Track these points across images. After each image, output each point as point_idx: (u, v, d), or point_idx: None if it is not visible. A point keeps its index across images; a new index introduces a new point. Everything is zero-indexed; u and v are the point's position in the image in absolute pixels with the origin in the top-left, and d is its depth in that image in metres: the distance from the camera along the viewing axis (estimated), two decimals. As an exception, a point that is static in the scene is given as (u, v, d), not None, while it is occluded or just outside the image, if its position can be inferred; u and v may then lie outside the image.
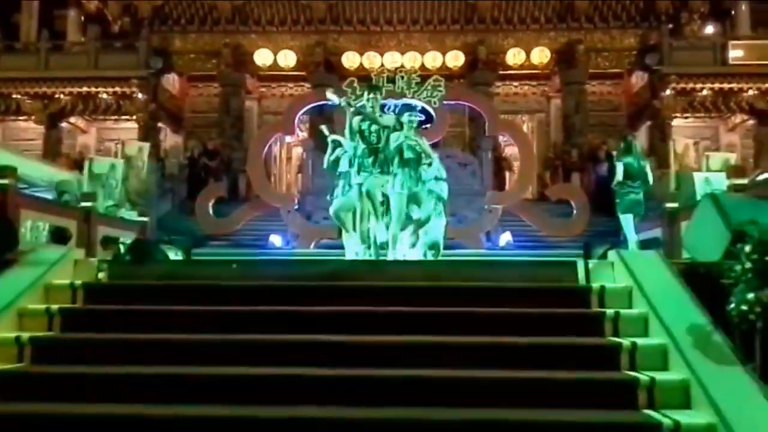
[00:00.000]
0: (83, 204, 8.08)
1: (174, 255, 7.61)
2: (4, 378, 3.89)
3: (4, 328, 4.40)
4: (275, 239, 13.93)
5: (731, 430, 3.17)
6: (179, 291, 5.05)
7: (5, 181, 5.93)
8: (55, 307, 4.65)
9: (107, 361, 4.10)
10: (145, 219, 9.59)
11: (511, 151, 18.47)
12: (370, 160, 7.20)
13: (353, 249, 7.52)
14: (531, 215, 14.97)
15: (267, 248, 13.61)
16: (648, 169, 8.57)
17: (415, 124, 7.45)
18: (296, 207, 14.57)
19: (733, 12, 21.47)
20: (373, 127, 7.21)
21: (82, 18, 22.18)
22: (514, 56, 20.26)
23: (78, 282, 5.02)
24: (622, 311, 4.45)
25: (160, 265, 6.13)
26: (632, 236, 8.60)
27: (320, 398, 3.69)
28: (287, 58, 20.51)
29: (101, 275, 5.37)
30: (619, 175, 8.41)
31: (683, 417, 3.40)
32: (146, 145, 15.51)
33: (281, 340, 4.28)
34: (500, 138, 17.97)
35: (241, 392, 3.78)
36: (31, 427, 3.51)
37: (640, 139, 21.01)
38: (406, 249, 7.48)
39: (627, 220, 8.55)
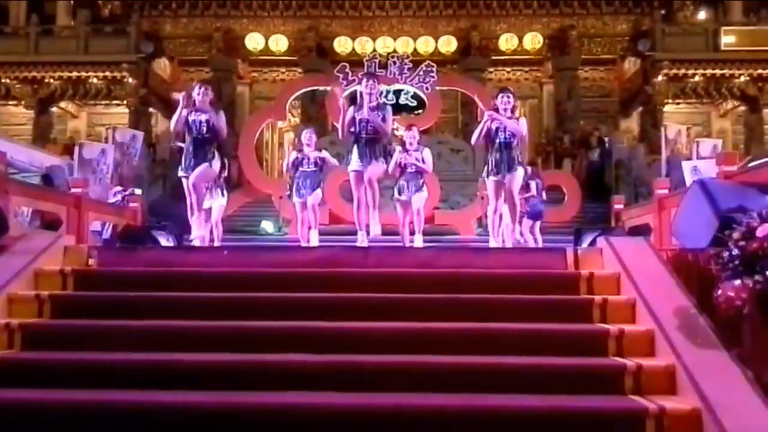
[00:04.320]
0: (73, 190, 8.02)
1: (165, 241, 7.58)
2: (-6, 364, 3.89)
3: (-6, 314, 4.39)
4: (267, 225, 13.92)
5: (716, 415, 3.20)
6: (170, 278, 5.04)
7: (-6, 167, 5.88)
8: (45, 293, 4.64)
9: (97, 347, 4.10)
10: (135, 204, 9.55)
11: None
12: (366, 149, 7.17)
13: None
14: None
15: (259, 234, 13.60)
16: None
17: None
18: (288, 193, 14.53)
19: (725, -2, 21.51)
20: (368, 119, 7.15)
21: (72, 2, 22.01)
22: (507, 42, 20.26)
23: (68, 268, 5.01)
24: (610, 298, 4.48)
25: (151, 252, 6.12)
26: (529, 236, 10.37)
27: (310, 385, 3.70)
28: (279, 43, 20.44)
29: (91, 261, 5.36)
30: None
31: (669, 402, 3.44)
32: (140, 134, 15.45)
33: (272, 327, 4.29)
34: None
35: (232, 379, 3.80)
36: (21, 414, 3.52)
37: (632, 125, 21.11)
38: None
39: (529, 224, 10.52)
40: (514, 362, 3.90)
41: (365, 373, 3.80)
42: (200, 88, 7.11)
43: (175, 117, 7.02)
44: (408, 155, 8.04)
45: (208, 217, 7.50)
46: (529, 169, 10.82)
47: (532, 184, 10.55)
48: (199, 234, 7.13)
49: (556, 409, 3.48)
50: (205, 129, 6.96)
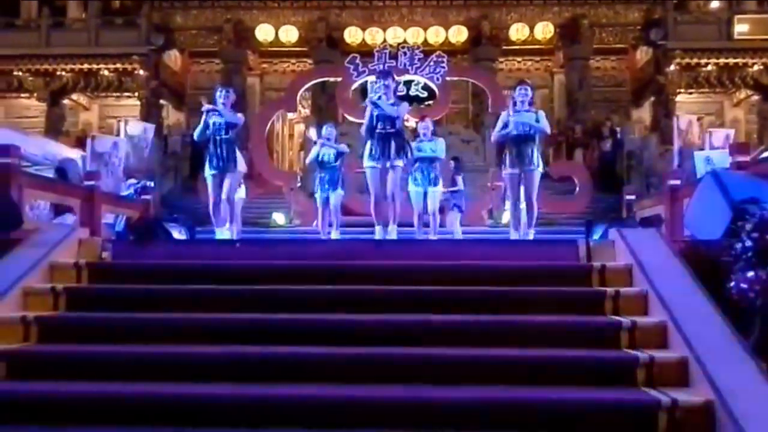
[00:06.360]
0: (86, 183, 8.08)
1: (178, 233, 7.63)
2: (11, 357, 3.93)
3: (10, 307, 4.43)
4: (278, 217, 13.97)
5: (729, 407, 3.20)
6: (183, 271, 5.07)
7: (8, 160, 5.92)
8: (60, 286, 4.68)
9: (112, 340, 4.15)
10: (148, 197, 9.61)
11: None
12: (380, 146, 7.17)
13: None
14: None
15: (269, 226, 13.66)
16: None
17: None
18: (299, 184, 14.57)
19: (739, -14, 21.29)
20: (385, 114, 7.18)
21: (83, -6, 22.04)
22: (518, 31, 20.15)
23: (83, 261, 5.05)
24: (623, 290, 4.48)
25: (164, 245, 6.16)
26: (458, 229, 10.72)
27: (323, 377, 3.73)
28: (289, 34, 20.41)
29: (105, 255, 5.40)
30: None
31: (681, 395, 3.44)
32: (151, 126, 15.51)
33: (286, 319, 4.32)
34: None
35: (245, 371, 3.83)
36: (39, 406, 3.56)
37: (644, 115, 20.98)
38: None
39: (458, 217, 10.84)
40: (526, 354, 3.92)
41: (378, 365, 3.83)
42: (221, 91, 7.28)
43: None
44: (422, 144, 8.19)
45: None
46: (452, 163, 10.88)
47: (459, 179, 10.79)
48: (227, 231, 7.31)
49: (568, 401, 3.49)
50: (224, 131, 7.15)
